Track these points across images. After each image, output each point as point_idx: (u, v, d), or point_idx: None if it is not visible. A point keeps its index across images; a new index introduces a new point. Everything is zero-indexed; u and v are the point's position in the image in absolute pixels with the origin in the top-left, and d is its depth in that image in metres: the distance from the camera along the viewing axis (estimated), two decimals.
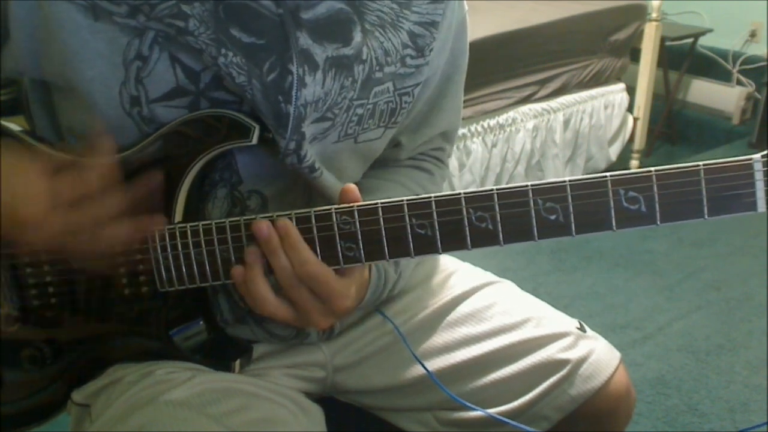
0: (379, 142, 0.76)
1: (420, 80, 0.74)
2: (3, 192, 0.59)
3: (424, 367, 0.79)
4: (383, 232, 0.61)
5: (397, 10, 0.71)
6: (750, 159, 0.56)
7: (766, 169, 0.55)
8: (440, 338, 0.84)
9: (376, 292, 0.73)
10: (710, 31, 3.15)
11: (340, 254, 0.63)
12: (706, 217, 0.57)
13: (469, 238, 0.60)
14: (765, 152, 0.56)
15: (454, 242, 0.61)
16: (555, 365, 0.81)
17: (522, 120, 2.61)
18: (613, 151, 2.97)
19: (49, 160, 0.62)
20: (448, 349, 0.83)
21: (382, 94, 0.72)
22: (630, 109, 3.00)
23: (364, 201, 0.62)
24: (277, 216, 0.63)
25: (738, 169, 0.56)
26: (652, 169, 0.57)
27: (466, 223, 0.60)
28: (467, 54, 0.83)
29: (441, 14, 0.74)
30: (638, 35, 2.89)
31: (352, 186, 0.63)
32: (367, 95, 0.70)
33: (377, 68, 0.70)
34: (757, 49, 3.18)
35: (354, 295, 0.66)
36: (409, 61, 0.72)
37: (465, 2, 0.80)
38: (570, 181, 0.58)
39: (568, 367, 0.81)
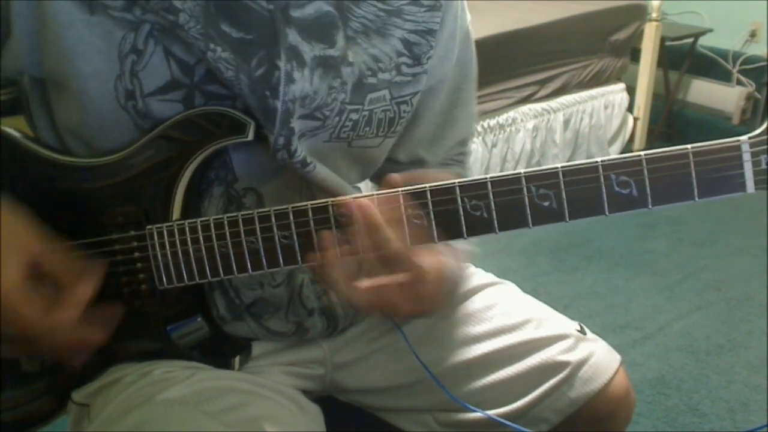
0: (377, 150, 0.76)
1: (418, 89, 0.74)
2: None
3: (425, 367, 0.78)
4: None
5: (384, 18, 0.71)
6: (738, 140, 0.56)
7: (753, 150, 0.56)
8: (440, 338, 0.84)
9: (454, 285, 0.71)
10: (710, 31, 3.15)
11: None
12: (696, 199, 0.57)
13: (464, 227, 0.60)
14: (752, 134, 0.56)
15: (449, 231, 0.61)
16: (555, 367, 0.81)
17: (522, 120, 2.61)
18: (613, 151, 2.97)
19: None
20: (448, 349, 0.83)
21: (378, 101, 0.71)
22: (630, 109, 3.01)
23: None
24: (357, 197, 0.61)
25: (726, 150, 0.57)
26: (642, 153, 0.57)
27: (461, 212, 0.60)
28: (475, 63, 0.82)
29: (438, 22, 0.73)
30: (638, 35, 2.89)
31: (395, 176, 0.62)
32: (361, 101, 0.70)
33: (369, 73, 0.70)
34: (757, 49, 3.17)
35: (432, 281, 0.64)
36: (405, 69, 0.72)
37: (467, 12, 0.80)
38: (562, 167, 0.58)
39: (567, 370, 0.81)
